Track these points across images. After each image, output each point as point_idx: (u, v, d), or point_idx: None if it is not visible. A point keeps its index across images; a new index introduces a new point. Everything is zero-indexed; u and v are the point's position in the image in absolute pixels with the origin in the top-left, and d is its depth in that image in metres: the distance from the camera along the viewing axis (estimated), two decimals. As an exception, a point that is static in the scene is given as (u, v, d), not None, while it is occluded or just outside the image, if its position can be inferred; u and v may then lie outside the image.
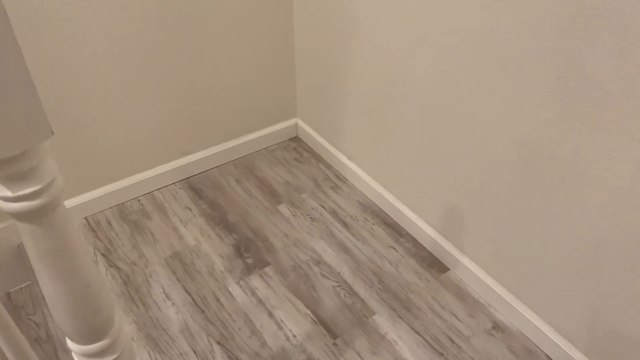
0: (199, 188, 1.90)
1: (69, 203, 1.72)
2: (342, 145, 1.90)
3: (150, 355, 1.38)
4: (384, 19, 1.45)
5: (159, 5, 1.54)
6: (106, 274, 1.59)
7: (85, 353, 0.66)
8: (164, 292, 1.54)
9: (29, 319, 1.62)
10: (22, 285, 1.68)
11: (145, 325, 1.45)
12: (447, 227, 1.57)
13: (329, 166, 2.00)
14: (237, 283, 1.57)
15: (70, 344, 0.66)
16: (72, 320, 0.61)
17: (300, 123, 2.09)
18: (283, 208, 1.82)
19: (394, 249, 1.67)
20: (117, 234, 1.72)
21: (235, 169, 1.98)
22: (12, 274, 1.68)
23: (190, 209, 1.81)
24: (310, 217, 1.78)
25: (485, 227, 1.42)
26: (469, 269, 1.53)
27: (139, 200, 1.84)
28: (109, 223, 1.76)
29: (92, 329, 0.64)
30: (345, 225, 1.75)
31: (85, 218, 1.77)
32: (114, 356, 0.68)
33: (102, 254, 1.65)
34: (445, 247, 1.59)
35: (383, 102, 1.60)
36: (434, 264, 1.63)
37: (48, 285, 0.57)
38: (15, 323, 1.64)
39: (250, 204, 1.83)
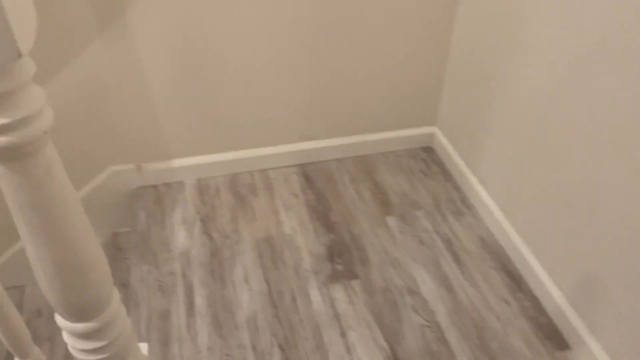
0: (312, 177, 1.79)
1: (185, 161, 1.72)
2: (478, 167, 1.65)
3: (209, 337, 1.31)
4: (556, 25, 1.18)
5: (310, -23, 1.45)
6: (197, 240, 1.56)
7: (71, 331, 0.57)
8: (245, 274, 1.47)
9: (124, 261, 1.66)
10: (128, 229, 1.74)
11: (215, 303, 1.39)
12: (580, 298, 1.26)
13: (457, 187, 1.76)
14: (319, 288, 1.43)
15: (57, 317, 0.57)
16: (54, 290, 0.52)
17: (438, 133, 1.88)
18: (391, 221, 1.63)
19: (508, 303, 1.40)
20: (221, 203, 1.68)
21: (353, 167, 1.83)
22: (121, 216, 1.74)
23: (296, 196, 1.71)
24: (419, 239, 1.57)
25: (630, 312, 1.10)
26: (595, 356, 1.20)
27: (252, 174, 1.79)
28: (218, 190, 1.73)
29: (78, 305, 0.54)
30: (456, 259, 1.52)
31: (198, 179, 1.77)
32: (103, 343, 0.58)
33: (201, 219, 1.63)
34: (571, 320, 1.28)
35: (535, 129, 1.33)
36: (552, 336, 1.33)
37: (27, 243, 0.48)
38: (110, 261, 1.70)
39: (358, 207, 1.68)
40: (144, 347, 0.69)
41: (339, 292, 1.43)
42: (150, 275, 1.46)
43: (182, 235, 1.57)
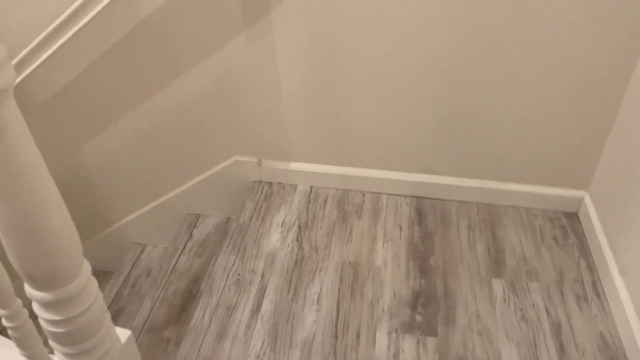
0: (425, 213, 1.65)
1: (303, 166, 1.72)
2: (623, 251, 1.35)
3: (261, 345, 1.28)
4: None
5: (463, 18, 1.32)
6: (287, 245, 1.54)
7: (36, 299, 0.57)
8: (319, 293, 1.41)
9: (219, 247, 1.72)
10: (230, 217, 1.79)
11: (280, 313, 1.35)
12: None
13: (591, 268, 1.46)
14: (389, 333, 1.31)
15: (25, 284, 0.58)
16: (12, 252, 0.52)
17: (587, 200, 1.59)
18: (498, 284, 1.42)
19: None
20: (323, 215, 1.65)
21: (475, 213, 1.65)
22: (236, 204, 1.80)
23: (401, 229, 1.60)
24: (523, 314, 1.34)
25: None
26: None
27: (364, 195, 1.72)
28: (325, 202, 1.70)
29: (38, 273, 0.54)
30: (561, 350, 1.26)
31: (311, 186, 1.76)
32: (70, 315, 0.57)
33: (299, 226, 1.61)
34: None
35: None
36: None
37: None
38: (213, 244, 1.78)
39: (465, 259, 1.50)
40: (124, 333, 0.68)
41: (408, 344, 1.28)
42: (233, 267, 1.49)
43: (275, 237, 1.57)
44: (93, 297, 0.61)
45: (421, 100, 1.52)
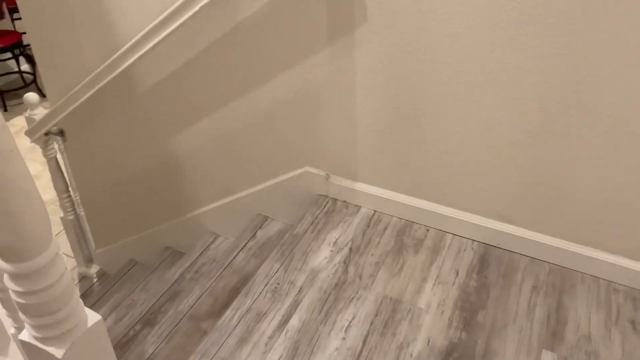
0: (488, 263, 1.53)
1: (369, 189, 1.69)
2: None
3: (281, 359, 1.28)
4: None
5: (558, 72, 1.20)
6: (332, 265, 1.52)
7: (4, 270, 0.62)
8: (350, 322, 1.36)
9: (269, 251, 1.74)
10: (293, 225, 1.81)
11: (306, 332, 1.34)
12: None
13: (670, 368, 1.24)
14: (409, 380, 1.23)
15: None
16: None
17: (684, 287, 1.35)
18: (547, 358, 1.27)
19: None
20: (378, 242, 1.60)
21: (545, 274, 1.48)
22: (298, 213, 1.82)
23: (457, 274, 1.49)
24: (566, 400, 1.18)
25: None
26: None
27: (427, 230, 1.64)
28: (385, 229, 1.65)
29: (3, 245, 0.58)
30: None
31: (375, 210, 1.71)
32: (33, 288, 0.61)
33: (350, 248, 1.58)
34: None
35: None
36: None
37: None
38: (271, 245, 1.81)
39: (518, 322, 1.36)
40: (94, 316, 0.71)
41: (426, 398, 1.19)
42: (275, 275, 1.50)
43: (324, 254, 1.56)
44: (59, 275, 0.64)
45: (506, 143, 1.40)
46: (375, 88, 1.48)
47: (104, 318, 1.95)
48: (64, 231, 2.64)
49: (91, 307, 2.16)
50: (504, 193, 1.49)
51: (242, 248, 1.82)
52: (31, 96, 2.14)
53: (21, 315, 0.65)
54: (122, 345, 1.68)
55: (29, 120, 2.19)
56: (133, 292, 2.07)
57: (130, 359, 1.55)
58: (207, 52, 1.65)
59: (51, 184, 2.35)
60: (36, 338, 0.66)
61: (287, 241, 1.61)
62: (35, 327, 0.66)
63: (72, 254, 2.87)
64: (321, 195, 1.77)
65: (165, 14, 1.54)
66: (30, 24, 1.95)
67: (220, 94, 1.72)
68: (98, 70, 1.80)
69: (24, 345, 0.67)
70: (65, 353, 0.66)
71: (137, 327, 1.75)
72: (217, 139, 1.84)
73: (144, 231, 2.33)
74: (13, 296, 0.64)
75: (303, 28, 1.47)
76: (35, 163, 3.65)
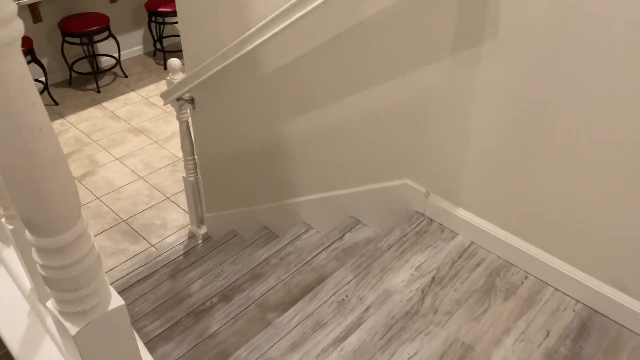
0: (590, 330, 1.31)
1: (470, 217, 1.54)
2: None
3: (322, 375, 1.22)
4: None
5: None
6: (409, 291, 1.41)
7: (32, 243, 0.63)
8: (409, 358, 1.26)
9: (350, 258, 1.68)
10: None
11: (360, 354, 1.27)
12: None
13: None
14: None
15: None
16: (13, 199, 0.59)
17: None
18: None
19: None
20: (466, 278, 1.45)
21: (658, 365, 1.23)
22: (389, 223, 1.73)
23: (548, 335, 1.30)
24: None
25: None
26: None
27: (526, 277, 1.45)
28: (477, 264, 1.49)
29: (34, 218, 0.59)
30: None
31: (471, 241, 1.56)
32: (60, 264, 0.62)
33: (433, 277, 1.46)
34: None
35: None
36: None
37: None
38: (349, 251, 1.74)
39: (605, 412, 1.14)
40: (117, 301, 0.71)
41: None
42: (345, 286, 1.44)
43: (402, 277, 1.46)
44: (82, 254, 0.65)
45: (638, 205, 1.18)
46: (495, 111, 1.32)
47: (193, 281, 2.05)
48: (184, 190, 2.83)
49: (188, 266, 2.29)
50: (627, 257, 1.25)
51: (327, 247, 1.78)
52: (174, 61, 2.29)
53: (48, 290, 0.67)
54: (195, 313, 1.75)
55: (169, 83, 2.35)
56: (224, 263, 2.15)
57: (195, 331, 1.61)
58: (330, 43, 1.61)
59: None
60: (57, 310, 0.68)
61: (368, 253, 1.53)
62: (57, 300, 0.67)
63: (187, 212, 3.08)
64: (417, 211, 1.66)
65: (293, 1, 1.52)
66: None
67: (334, 87, 1.68)
68: (229, 46, 1.86)
69: (50, 312, 0.70)
70: (79, 331, 0.67)
71: (214, 300, 1.80)
72: (324, 133, 1.81)
73: (248, 207, 2.40)
74: (41, 270, 0.66)
75: (427, 34, 1.35)
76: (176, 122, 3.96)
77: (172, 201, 3.25)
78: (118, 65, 4.28)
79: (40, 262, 0.63)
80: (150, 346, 1.67)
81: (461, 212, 1.56)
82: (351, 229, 1.83)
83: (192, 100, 2.30)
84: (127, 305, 2.30)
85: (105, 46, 4.18)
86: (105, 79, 4.28)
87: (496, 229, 1.50)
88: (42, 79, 3.83)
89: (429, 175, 1.58)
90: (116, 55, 4.22)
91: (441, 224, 1.61)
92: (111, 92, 4.16)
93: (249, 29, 1.75)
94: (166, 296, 2.01)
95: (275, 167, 2.12)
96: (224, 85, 2.12)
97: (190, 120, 2.45)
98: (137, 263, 2.72)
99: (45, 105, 3.93)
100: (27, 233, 0.62)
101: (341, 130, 1.74)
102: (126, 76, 4.32)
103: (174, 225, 3.10)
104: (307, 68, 1.72)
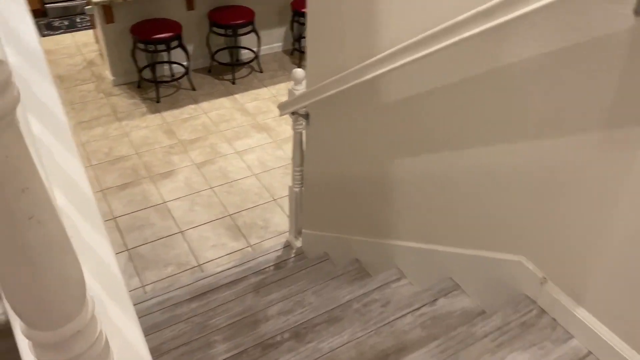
0: None
1: (595, 323, 1.25)
2: None
3: None
4: None
5: None
6: None
7: (28, 336, 0.55)
8: None
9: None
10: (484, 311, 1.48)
11: None
12: None
13: None
14: None
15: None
16: (5, 291, 0.50)
17: None
18: None
19: None
20: None
21: None
22: (492, 298, 1.49)
23: None
24: None
25: None
26: None
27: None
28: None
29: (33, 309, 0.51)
30: None
31: (589, 351, 1.27)
32: (68, 355, 0.54)
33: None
34: None
35: None
36: None
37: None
38: (442, 334, 1.52)
39: None
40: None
41: None
42: (421, 372, 1.24)
43: (492, 378, 1.22)
44: (87, 346, 0.55)
45: None
46: (650, 207, 1.04)
47: (273, 304, 1.97)
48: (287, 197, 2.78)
49: (273, 283, 2.22)
50: None
51: (415, 310, 1.59)
52: (298, 72, 2.22)
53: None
54: (264, 346, 1.66)
55: (290, 93, 2.29)
56: (307, 291, 2.05)
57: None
58: (457, 85, 1.40)
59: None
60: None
61: (458, 337, 1.32)
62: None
63: (287, 220, 3.03)
64: (527, 297, 1.39)
65: (425, 34, 1.34)
66: (312, 15, 1.97)
67: (454, 134, 1.47)
68: (351, 69, 1.73)
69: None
70: None
71: (286, 335, 1.70)
72: (434, 179, 1.61)
73: (344, 234, 2.27)
74: None
75: (579, 96, 1.10)
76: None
77: (278, 204, 3.23)
78: (256, 60, 4.38)
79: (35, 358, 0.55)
80: (213, 369, 1.62)
81: (582, 313, 1.27)
82: (447, 294, 1.61)
83: (307, 116, 2.22)
84: (209, 310, 2.27)
85: (246, 40, 4.29)
86: (241, 72, 4.41)
87: (621, 343, 1.20)
88: (185, 63, 4.03)
89: (550, 259, 1.31)
90: (256, 49, 4.32)
91: (554, 320, 1.34)
92: (245, 85, 4.27)
93: (374, 55, 1.60)
94: (244, 313, 1.96)
95: (377, 202, 1.96)
96: (340, 107, 2.00)
97: (304, 133, 2.37)
98: (232, 262, 2.73)
99: (183, 89, 4.14)
100: (20, 323, 0.54)
101: (453, 182, 1.53)
102: (261, 71, 4.40)
103: (274, 229, 3.07)
104: (428, 106, 1.53)
